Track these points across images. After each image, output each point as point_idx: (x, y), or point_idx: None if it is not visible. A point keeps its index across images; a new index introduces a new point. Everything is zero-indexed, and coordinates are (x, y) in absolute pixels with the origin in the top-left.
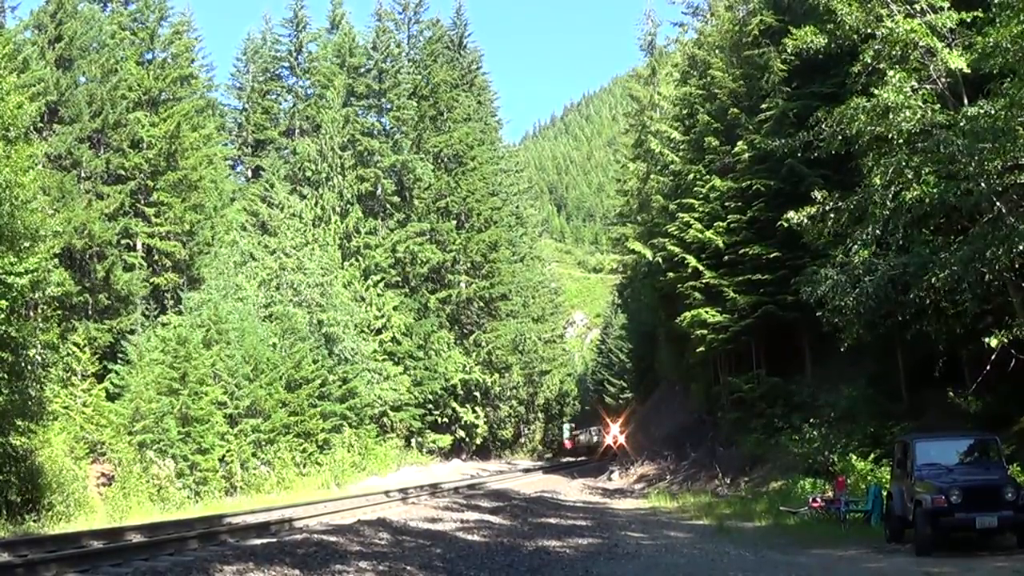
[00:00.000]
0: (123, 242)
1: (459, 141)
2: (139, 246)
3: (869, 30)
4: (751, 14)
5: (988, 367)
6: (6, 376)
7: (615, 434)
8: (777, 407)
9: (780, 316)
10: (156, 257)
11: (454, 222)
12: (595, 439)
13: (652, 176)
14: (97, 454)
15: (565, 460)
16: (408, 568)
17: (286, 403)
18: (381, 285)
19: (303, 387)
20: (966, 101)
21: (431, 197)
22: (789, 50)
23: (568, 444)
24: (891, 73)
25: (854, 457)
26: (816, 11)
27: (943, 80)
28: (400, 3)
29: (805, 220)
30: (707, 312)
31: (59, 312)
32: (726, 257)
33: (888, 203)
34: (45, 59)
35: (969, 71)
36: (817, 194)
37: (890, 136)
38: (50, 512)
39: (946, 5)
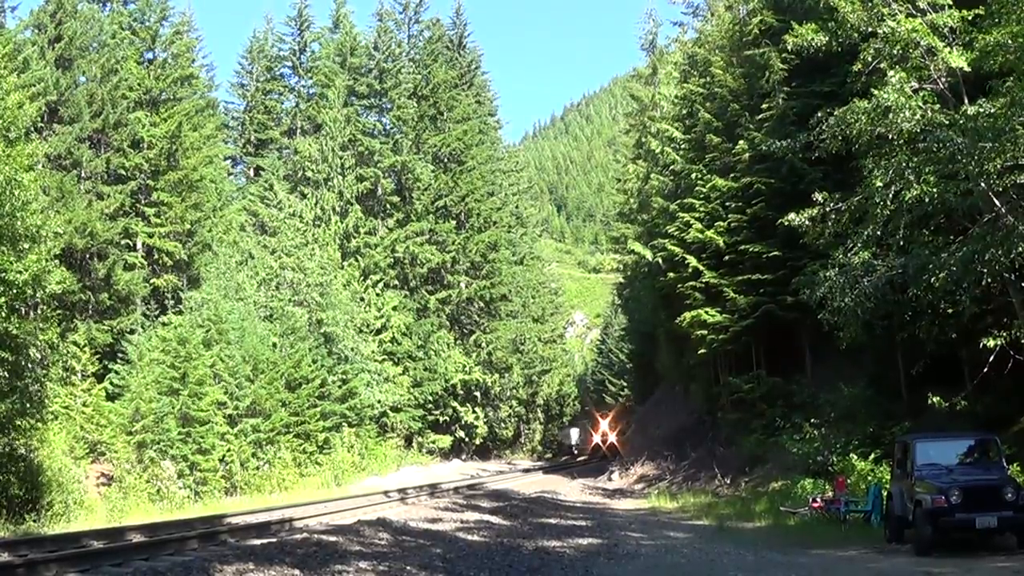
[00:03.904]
0: (123, 242)
1: (457, 140)
2: (139, 246)
3: (870, 28)
4: (751, 14)
5: (987, 368)
6: (6, 375)
7: (604, 431)
8: (777, 407)
9: (780, 316)
10: (156, 257)
11: (453, 222)
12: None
13: (652, 176)
14: (97, 454)
15: (564, 459)
16: (408, 568)
17: (286, 403)
18: (380, 286)
19: (303, 387)
20: (967, 101)
21: (430, 197)
22: (789, 48)
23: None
24: (891, 73)
25: (854, 457)
26: (816, 11)
27: (944, 80)
28: (401, 3)
29: (806, 222)
30: (707, 312)
31: (59, 311)
32: (726, 257)
33: (888, 203)
34: (45, 59)
35: (970, 70)
36: (818, 195)
37: (890, 136)
38: (50, 512)
39: (948, 3)
